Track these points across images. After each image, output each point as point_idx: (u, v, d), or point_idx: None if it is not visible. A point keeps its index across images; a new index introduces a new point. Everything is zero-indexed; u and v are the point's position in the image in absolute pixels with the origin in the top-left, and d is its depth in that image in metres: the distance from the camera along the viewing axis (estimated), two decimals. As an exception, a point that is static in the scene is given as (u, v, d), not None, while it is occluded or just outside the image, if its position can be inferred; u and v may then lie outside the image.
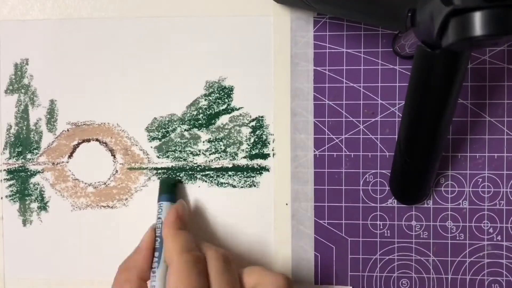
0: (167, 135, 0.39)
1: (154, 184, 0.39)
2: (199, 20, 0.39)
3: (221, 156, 0.39)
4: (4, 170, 0.40)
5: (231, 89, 0.39)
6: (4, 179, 0.40)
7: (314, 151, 0.38)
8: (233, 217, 0.39)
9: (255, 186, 0.39)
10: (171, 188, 0.38)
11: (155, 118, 0.39)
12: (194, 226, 0.39)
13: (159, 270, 0.33)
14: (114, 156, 0.40)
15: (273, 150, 0.39)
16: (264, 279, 0.31)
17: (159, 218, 0.36)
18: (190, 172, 0.39)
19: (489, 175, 0.37)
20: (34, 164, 0.40)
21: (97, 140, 0.40)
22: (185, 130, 0.39)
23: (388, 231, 0.38)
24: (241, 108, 0.39)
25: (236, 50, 0.39)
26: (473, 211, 0.37)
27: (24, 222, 0.40)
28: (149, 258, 0.34)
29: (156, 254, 0.34)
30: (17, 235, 0.40)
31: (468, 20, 0.23)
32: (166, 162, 0.39)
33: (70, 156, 0.40)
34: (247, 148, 0.39)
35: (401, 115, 0.34)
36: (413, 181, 0.36)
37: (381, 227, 0.38)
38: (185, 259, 0.31)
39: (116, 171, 0.40)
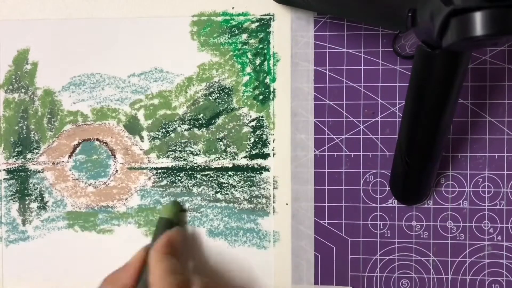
0: (167, 135, 0.39)
1: (154, 184, 0.39)
2: (199, 20, 0.39)
3: (221, 156, 0.39)
4: (4, 170, 0.40)
5: (231, 89, 0.39)
6: (4, 178, 0.40)
7: (314, 151, 0.38)
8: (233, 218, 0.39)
9: (255, 186, 0.39)
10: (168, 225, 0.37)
11: (155, 118, 0.39)
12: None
13: None
14: (114, 156, 0.40)
15: (273, 150, 0.39)
16: None
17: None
18: (190, 172, 0.39)
19: (489, 175, 0.37)
20: (34, 164, 0.40)
21: (97, 139, 0.40)
22: (185, 130, 0.39)
23: (388, 231, 0.38)
24: (241, 108, 0.39)
25: (236, 50, 0.39)
26: (474, 211, 0.37)
27: (24, 222, 0.40)
28: (135, 277, 0.33)
29: (143, 276, 0.33)
30: (16, 235, 0.40)
31: (468, 20, 0.23)
32: (166, 162, 0.39)
33: (71, 156, 0.40)
34: (247, 148, 0.39)
35: (401, 115, 0.34)
36: (413, 181, 0.36)
37: (381, 227, 0.38)
38: (168, 282, 0.31)
39: (116, 171, 0.40)
